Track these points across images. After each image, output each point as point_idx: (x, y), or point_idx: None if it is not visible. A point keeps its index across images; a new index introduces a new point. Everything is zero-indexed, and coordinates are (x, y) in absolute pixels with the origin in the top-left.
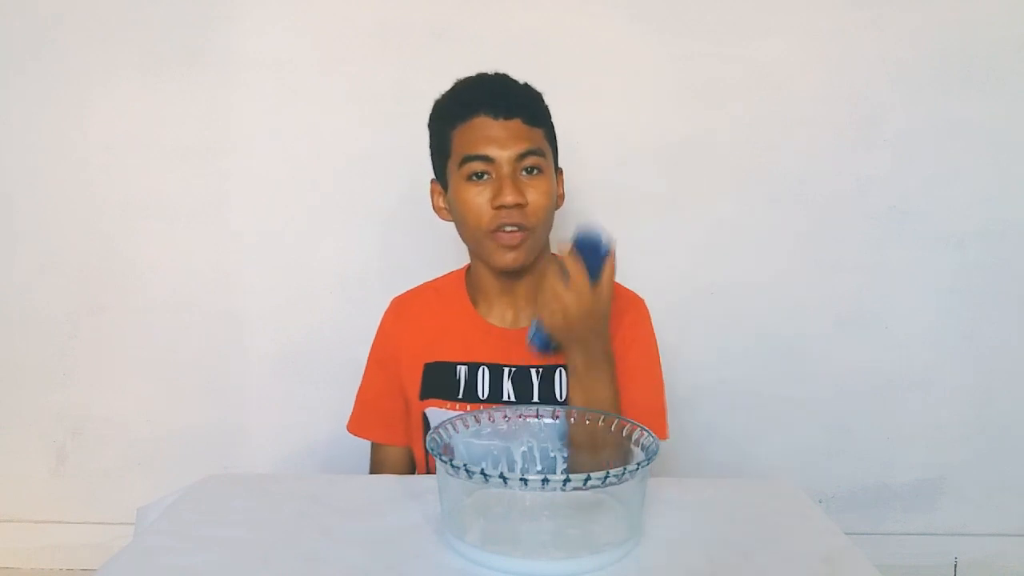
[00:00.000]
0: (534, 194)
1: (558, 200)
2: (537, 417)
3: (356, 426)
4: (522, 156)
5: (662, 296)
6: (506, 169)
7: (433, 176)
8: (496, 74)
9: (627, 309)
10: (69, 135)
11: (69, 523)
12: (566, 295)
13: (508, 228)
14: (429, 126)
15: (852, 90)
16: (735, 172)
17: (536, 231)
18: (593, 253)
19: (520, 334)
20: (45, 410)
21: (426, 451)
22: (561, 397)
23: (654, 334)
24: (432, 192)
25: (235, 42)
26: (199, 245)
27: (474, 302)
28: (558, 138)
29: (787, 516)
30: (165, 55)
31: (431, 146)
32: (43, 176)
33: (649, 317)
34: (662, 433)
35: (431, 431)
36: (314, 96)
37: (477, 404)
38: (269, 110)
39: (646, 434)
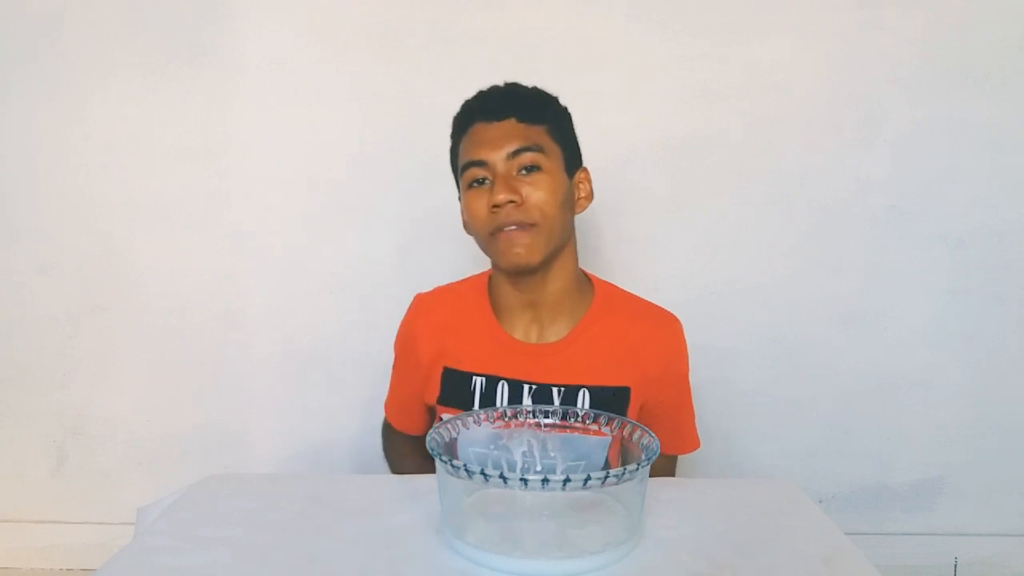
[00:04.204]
0: (531, 190)
1: (580, 200)
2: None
3: (388, 409)
4: (515, 154)
5: (662, 296)
6: (500, 169)
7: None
8: (505, 83)
9: (662, 326)
10: (69, 135)
11: (69, 523)
12: None
13: (506, 228)
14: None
15: (852, 90)
16: (735, 172)
17: (540, 227)
18: None
19: (545, 349)
20: (45, 410)
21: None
22: None
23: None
24: (461, 210)
25: (235, 42)
26: (199, 245)
27: (496, 314)
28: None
29: (787, 516)
30: (165, 55)
31: (450, 164)
32: (43, 176)
33: (684, 336)
34: (697, 444)
35: (431, 430)
36: (314, 96)
37: None
38: (269, 110)
39: (646, 434)
